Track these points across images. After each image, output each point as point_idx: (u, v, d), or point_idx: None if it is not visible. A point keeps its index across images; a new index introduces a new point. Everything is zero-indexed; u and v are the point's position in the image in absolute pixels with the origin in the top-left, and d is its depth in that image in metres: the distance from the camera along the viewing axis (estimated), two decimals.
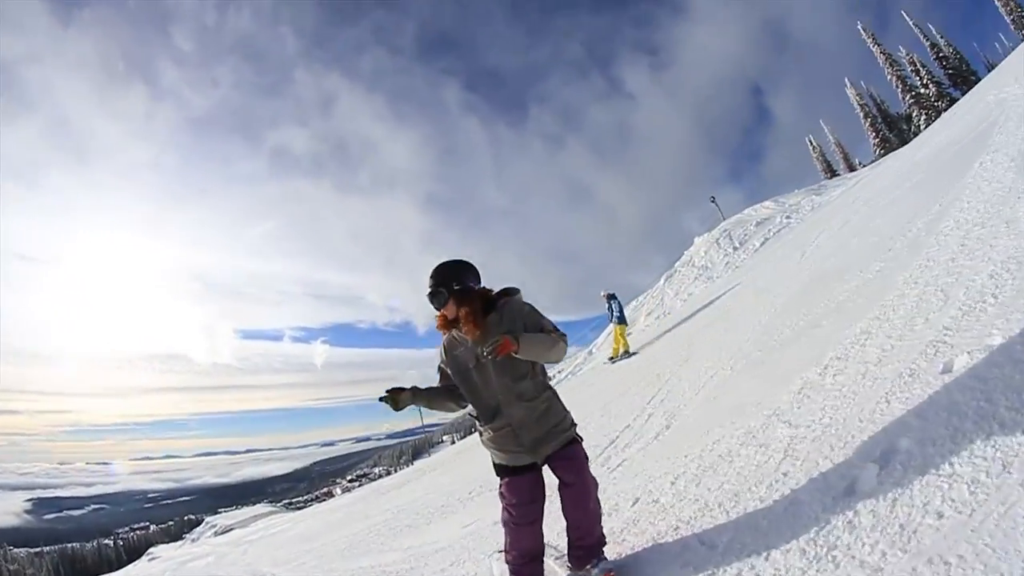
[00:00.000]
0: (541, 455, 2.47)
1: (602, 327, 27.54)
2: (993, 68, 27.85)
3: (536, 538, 2.57)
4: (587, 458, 2.55)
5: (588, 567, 2.49)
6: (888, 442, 2.19)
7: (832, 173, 41.35)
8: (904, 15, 36.62)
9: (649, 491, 3.34)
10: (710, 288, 26.19)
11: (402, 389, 2.51)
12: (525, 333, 2.38)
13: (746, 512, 2.36)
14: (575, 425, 2.58)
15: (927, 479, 1.84)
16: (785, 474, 2.47)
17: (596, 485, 2.56)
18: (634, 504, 3.26)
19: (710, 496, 2.75)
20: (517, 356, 2.30)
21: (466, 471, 11.65)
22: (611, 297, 13.38)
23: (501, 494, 2.57)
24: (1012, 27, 32.94)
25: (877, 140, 38.33)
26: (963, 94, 28.52)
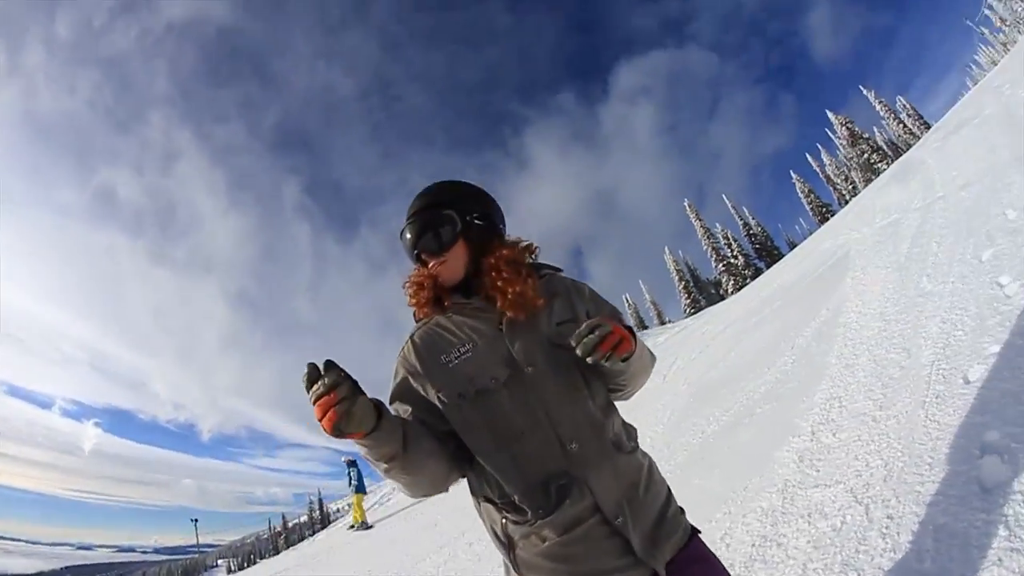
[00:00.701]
0: (660, 562, 1.25)
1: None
2: (794, 246, 36.04)
3: None
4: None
5: None
6: (976, 441, 2.13)
7: (643, 328, 46.84)
8: (724, 197, 47.39)
9: None
10: None
11: (355, 388, 1.02)
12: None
13: (885, 568, 1.88)
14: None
15: None
16: (889, 517, 2.10)
17: None
18: None
19: None
20: (622, 365, 1.26)
21: None
22: (351, 464, 13.36)
23: None
24: (811, 214, 44.31)
25: (688, 301, 45.15)
26: (767, 266, 36.64)
